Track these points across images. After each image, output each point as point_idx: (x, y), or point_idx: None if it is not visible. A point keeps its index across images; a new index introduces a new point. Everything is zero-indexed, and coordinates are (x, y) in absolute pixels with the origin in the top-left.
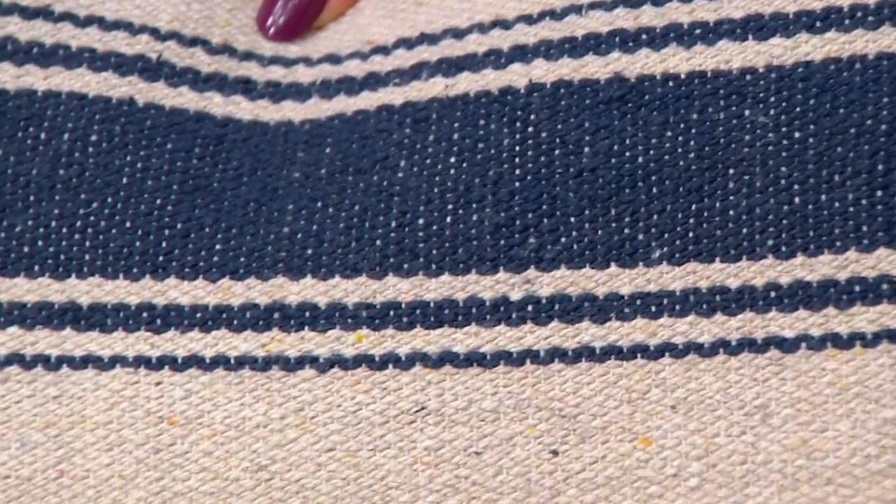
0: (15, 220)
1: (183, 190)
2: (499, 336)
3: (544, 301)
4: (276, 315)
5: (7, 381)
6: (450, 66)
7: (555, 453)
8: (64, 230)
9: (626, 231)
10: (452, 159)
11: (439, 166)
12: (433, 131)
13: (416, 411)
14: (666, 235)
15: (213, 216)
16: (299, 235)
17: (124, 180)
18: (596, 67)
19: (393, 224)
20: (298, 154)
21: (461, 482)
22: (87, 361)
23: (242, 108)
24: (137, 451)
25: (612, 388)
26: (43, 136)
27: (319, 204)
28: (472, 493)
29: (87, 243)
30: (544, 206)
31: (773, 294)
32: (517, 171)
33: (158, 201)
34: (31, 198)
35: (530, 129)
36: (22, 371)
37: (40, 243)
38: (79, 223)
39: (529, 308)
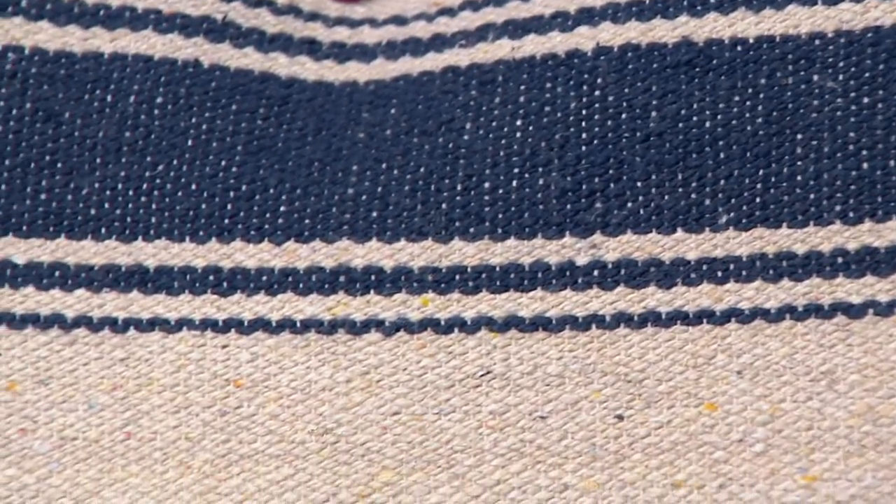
0: (82, 183)
1: (247, 151)
2: (564, 301)
3: (610, 266)
4: (342, 278)
5: (74, 343)
6: (516, 28)
7: (620, 418)
8: (130, 193)
9: (693, 196)
10: (518, 122)
11: (505, 129)
12: (499, 94)
13: (482, 375)
14: (733, 200)
15: (277, 177)
16: (364, 197)
17: (190, 142)
18: (664, 31)
19: (459, 187)
20: (363, 114)
21: (526, 446)
22: (154, 324)
23: (307, 69)
24: (204, 414)
25: (678, 354)
26: (109, 98)
27: (384, 165)
28: (537, 457)
29: (154, 206)
30: (611, 171)
31: (840, 260)
32: (584, 135)
33: (223, 163)
34: (98, 160)
35: (597, 92)
36: (89, 333)
37: (107, 206)
38: (145, 186)
39: (595, 273)
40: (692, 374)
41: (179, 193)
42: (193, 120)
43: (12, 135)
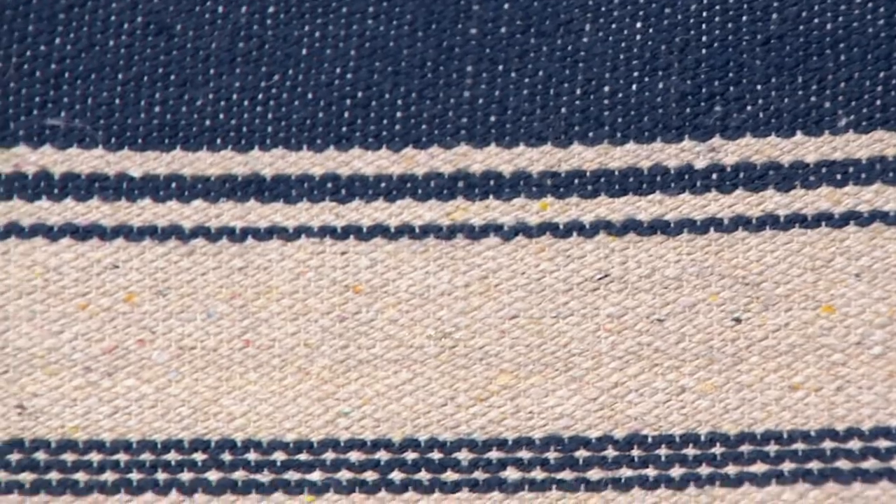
0: (196, 94)
1: (360, 55)
2: (683, 204)
3: (729, 169)
4: (461, 184)
5: (193, 253)
6: None
7: (737, 321)
8: (245, 103)
9: (813, 99)
10: (638, 24)
11: (625, 32)
12: None
13: (600, 278)
14: (853, 103)
15: (392, 81)
16: (481, 101)
17: (304, 51)
18: None
19: (578, 91)
20: (473, 7)
21: (643, 349)
22: (273, 232)
23: None
24: (323, 320)
25: (796, 256)
26: (220, 9)
27: (501, 67)
28: (655, 359)
29: (270, 115)
30: (730, 74)
31: None
32: (703, 38)
33: (338, 70)
34: (212, 71)
35: None
36: (207, 243)
37: (222, 116)
38: (260, 95)
39: (714, 176)
40: (810, 276)
41: (295, 102)
42: (306, 28)
43: (125, 49)
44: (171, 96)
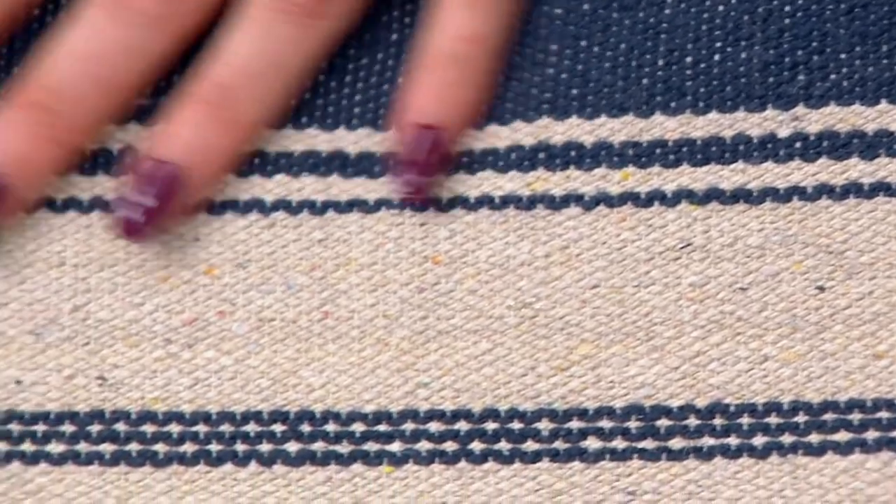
0: None
1: None
2: (766, 172)
3: (812, 137)
4: (542, 155)
5: (273, 226)
6: None
7: (821, 289)
8: (332, 84)
9: None
10: None
11: (707, 2)
12: None
13: (682, 247)
14: None
15: None
16: (564, 76)
17: (394, 37)
18: None
19: (660, 62)
20: None
21: (726, 318)
22: (353, 205)
23: None
24: (402, 291)
25: (880, 225)
26: None
27: (584, 43)
28: (737, 328)
29: (357, 97)
30: (814, 43)
31: None
32: (786, 7)
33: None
34: None
35: None
36: (288, 216)
37: (308, 95)
38: (348, 77)
39: (797, 145)
40: (894, 245)
41: (384, 86)
42: (395, 12)
43: None
44: None
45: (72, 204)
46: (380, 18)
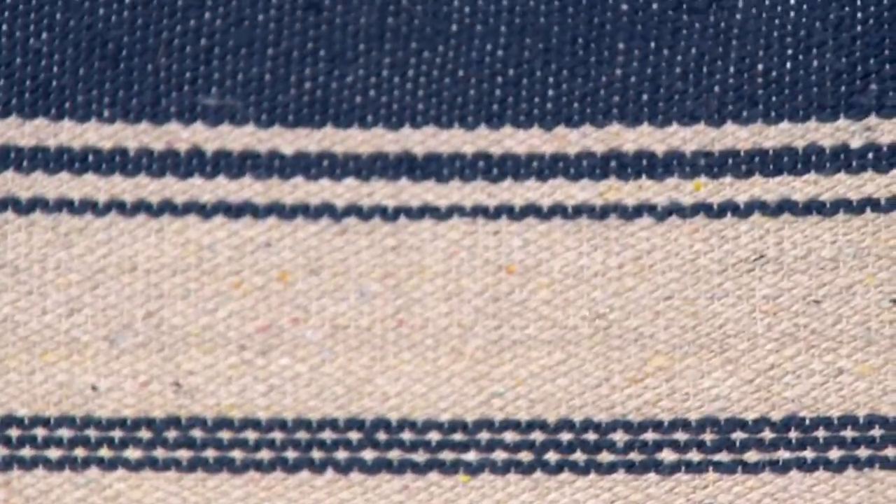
0: (346, 71)
1: (511, 32)
2: (838, 184)
3: (885, 149)
4: (613, 163)
5: (346, 232)
6: None
7: (895, 302)
8: (396, 79)
9: None
10: (792, 2)
11: (779, 9)
12: None
13: (755, 259)
14: None
15: (543, 59)
16: (633, 79)
17: (454, 27)
18: None
19: (731, 70)
20: None
21: (800, 330)
22: (425, 211)
23: None
24: (476, 300)
25: None
26: None
27: (653, 45)
28: (811, 341)
29: (421, 92)
30: (886, 52)
31: None
32: (859, 15)
33: (489, 47)
34: (361, 47)
35: None
36: (360, 222)
37: (372, 93)
38: (411, 72)
39: (870, 156)
40: None
41: (446, 80)
42: (456, 3)
43: (274, 24)
44: (320, 72)
45: (141, 207)
46: (440, 10)
